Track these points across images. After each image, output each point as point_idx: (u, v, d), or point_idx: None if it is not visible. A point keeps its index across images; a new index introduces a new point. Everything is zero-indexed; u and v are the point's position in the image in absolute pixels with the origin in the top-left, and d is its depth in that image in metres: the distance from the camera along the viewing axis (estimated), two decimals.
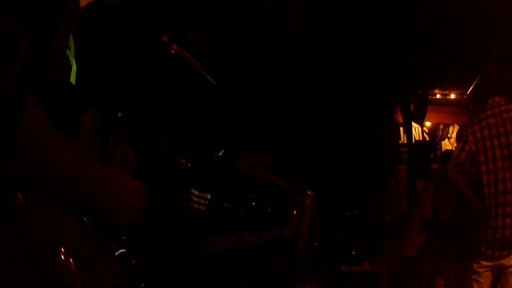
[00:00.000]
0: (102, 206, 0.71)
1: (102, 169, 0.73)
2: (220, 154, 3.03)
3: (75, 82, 0.88)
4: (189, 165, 2.92)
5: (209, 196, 3.01)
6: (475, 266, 2.60)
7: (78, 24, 0.87)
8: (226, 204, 3.59)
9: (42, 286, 0.56)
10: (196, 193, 2.91)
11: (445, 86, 7.85)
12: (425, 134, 8.09)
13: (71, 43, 0.86)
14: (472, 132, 2.69)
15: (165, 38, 4.38)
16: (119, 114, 1.07)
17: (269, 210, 3.94)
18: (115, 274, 0.69)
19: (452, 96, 8.05)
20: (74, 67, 0.88)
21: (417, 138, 7.85)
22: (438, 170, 4.86)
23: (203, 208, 2.99)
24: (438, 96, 8.08)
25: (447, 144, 8.31)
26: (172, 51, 4.49)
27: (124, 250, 0.77)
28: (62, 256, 0.59)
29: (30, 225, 0.57)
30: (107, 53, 3.04)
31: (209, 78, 5.31)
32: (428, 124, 8.17)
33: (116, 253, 0.74)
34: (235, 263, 3.06)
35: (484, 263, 2.54)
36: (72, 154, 0.65)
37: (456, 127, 8.35)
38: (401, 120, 7.51)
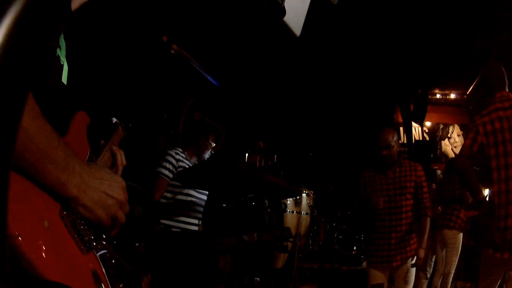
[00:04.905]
0: (85, 200, 0.72)
1: (87, 165, 0.75)
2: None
3: (67, 82, 0.89)
4: (185, 161, 2.91)
5: (205, 198, 3.01)
6: (484, 268, 2.42)
7: (67, 26, 0.88)
8: (225, 204, 3.59)
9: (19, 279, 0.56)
10: (195, 193, 2.90)
11: (445, 86, 7.86)
12: (425, 134, 8.10)
13: (62, 42, 0.87)
14: (482, 124, 2.45)
15: (165, 38, 4.38)
16: (114, 119, 1.10)
17: (269, 210, 3.94)
18: (93, 271, 0.70)
19: (452, 96, 8.06)
20: (65, 67, 0.89)
21: (417, 138, 7.86)
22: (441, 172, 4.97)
23: (201, 208, 2.98)
24: (438, 96, 8.09)
25: (447, 144, 8.32)
26: (172, 51, 4.49)
27: (105, 250, 0.77)
28: (41, 248, 0.59)
29: (15, 215, 0.57)
30: (107, 54, 3.04)
31: (209, 78, 5.31)
32: (428, 124, 8.18)
33: (98, 252, 0.75)
34: (235, 263, 3.06)
35: (492, 265, 2.35)
36: (63, 149, 0.67)
37: (456, 127, 8.36)
38: (401, 120, 7.51)
